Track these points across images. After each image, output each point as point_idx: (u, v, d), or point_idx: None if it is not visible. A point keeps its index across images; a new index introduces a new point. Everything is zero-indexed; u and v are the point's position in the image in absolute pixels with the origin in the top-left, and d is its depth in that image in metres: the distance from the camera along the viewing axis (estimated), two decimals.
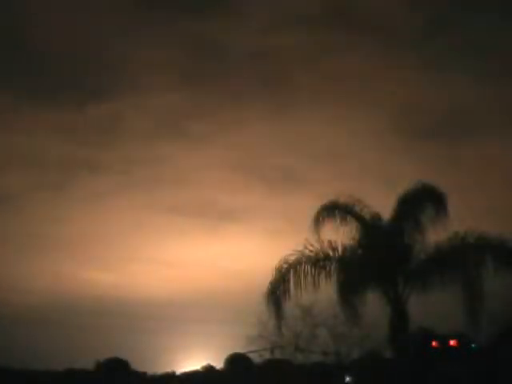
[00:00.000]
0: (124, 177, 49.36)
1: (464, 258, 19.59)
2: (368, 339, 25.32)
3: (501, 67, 45.01)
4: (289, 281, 20.08)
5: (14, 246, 46.46)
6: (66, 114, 48.30)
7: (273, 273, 20.20)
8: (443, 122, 46.86)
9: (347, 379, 29.51)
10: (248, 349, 29.62)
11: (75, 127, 49.79)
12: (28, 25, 48.01)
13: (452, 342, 26.88)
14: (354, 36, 47.25)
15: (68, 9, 47.58)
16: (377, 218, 20.76)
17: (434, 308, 20.55)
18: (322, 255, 20.21)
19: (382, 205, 21.09)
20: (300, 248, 20.17)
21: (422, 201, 20.35)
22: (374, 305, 19.98)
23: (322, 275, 20.02)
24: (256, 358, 31.37)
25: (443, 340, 26.95)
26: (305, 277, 20.02)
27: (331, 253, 20.28)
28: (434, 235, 20.14)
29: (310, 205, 21.52)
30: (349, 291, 19.43)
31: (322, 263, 20.12)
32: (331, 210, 20.69)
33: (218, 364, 37.63)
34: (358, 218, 20.65)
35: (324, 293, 20.32)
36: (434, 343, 26.87)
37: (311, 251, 20.21)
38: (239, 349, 32.63)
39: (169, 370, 39.23)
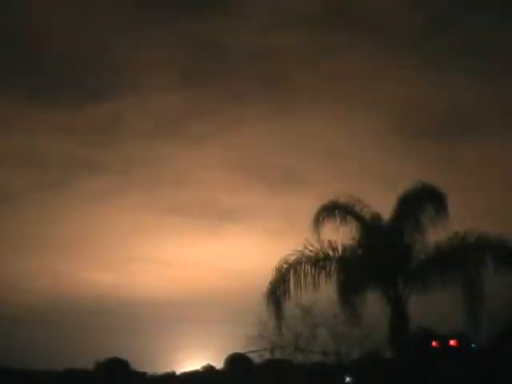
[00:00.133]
0: (124, 177, 49.44)
1: (464, 258, 19.58)
2: (368, 339, 25.31)
3: (501, 67, 45.07)
4: (289, 281, 20.07)
5: (14, 245, 46.55)
6: (66, 114, 48.38)
7: (273, 273, 20.20)
8: (443, 122, 46.94)
9: (347, 379, 29.50)
10: (248, 349, 29.61)
11: (75, 127, 49.88)
12: (28, 25, 48.10)
13: (452, 342, 26.87)
14: (354, 36, 47.36)
15: (68, 9, 47.70)
16: (377, 218, 20.75)
17: (434, 308, 20.55)
18: (321, 255, 20.20)
19: (382, 205, 21.11)
20: (300, 248, 20.18)
21: (422, 201, 20.34)
22: (374, 305, 19.98)
23: (322, 275, 20.01)
24: (256, 358, 31.39)
25: (443, 340, 26.95)
26: (305, 277, 20.01)
27: (331, 253, 20.27)
28: (434, 235, 20.16)
29: (310, 205, 21.54)
30: (349, 291, 19.42)
31: (321, 263, 20.11)
32: (331, 210, 20.68)
33: (218, 364, 37.72)
34: (358, 218, 20.64)
35: (324, 293, 20.32)
36: (433, 343, 26.86)
37: (311, 251, 20.20)
38: (239, 349, 32.66)
39: (169, 369, 39.32)
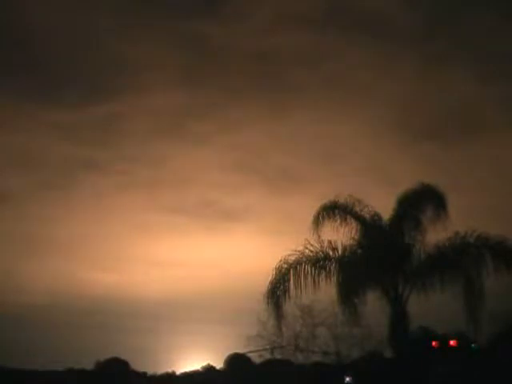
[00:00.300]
0: (124, 177, 49.37)
1: (464, 258, 19.59)
2: (368, 339, 25.32)
3: (501, 67, 45.04)
4: (289, 281, 20.08)
5: (14, 245, 46.47)
6: (66, 113, 48.33)
7: (273, 273, 20.20)
8: (443, 122, 46.90)
9: (347, 379, 29.47)
10: (248, 349, 29.59)
11: (75, 127, 49.83)
12: (28, 25, 48.10)
13: (452, 342, 26.82)
14: (354, 36, 47.33)
15: (68, 9, 47.68)
16: (377, 218, 20.76)
17: (434, 308, 20.55)
18: (321, 255, 20.21)
19: (382, 205, 21.13)
20: (300, 248, 20.20)
21: (421, 201, 20.35)
22: (374, 305, 19.99)
23: (322, 275, 20.02)
24: (256, 358, 31.36)
25: (443, 340, 26.91)
26: (305, 277, 20.02)
27: (331, 253, 20.28)
28: (434, 235, 20.18)
29: (310, 205, 21.54)
30: (349, 291, 19.42)
31: (321, 263, 20.12)
32: (331, 210, 20.69)
33: (218, 364, 37.71)
34: (358, 218, 20.64)
35: (324, 293, 20.33)
36: (433, 343, 26.83)
37: (311, 251, 20.21)
38: (239, 349, 32.63)
39: (169, 369, 39.34)
